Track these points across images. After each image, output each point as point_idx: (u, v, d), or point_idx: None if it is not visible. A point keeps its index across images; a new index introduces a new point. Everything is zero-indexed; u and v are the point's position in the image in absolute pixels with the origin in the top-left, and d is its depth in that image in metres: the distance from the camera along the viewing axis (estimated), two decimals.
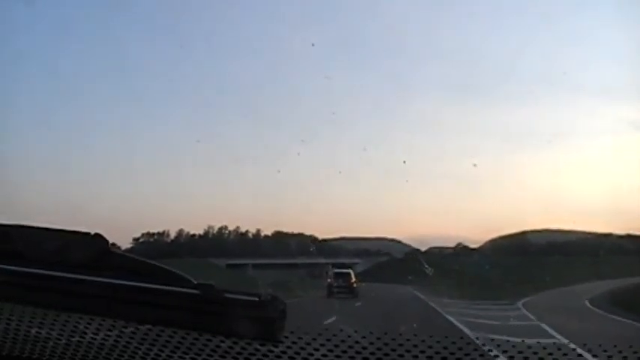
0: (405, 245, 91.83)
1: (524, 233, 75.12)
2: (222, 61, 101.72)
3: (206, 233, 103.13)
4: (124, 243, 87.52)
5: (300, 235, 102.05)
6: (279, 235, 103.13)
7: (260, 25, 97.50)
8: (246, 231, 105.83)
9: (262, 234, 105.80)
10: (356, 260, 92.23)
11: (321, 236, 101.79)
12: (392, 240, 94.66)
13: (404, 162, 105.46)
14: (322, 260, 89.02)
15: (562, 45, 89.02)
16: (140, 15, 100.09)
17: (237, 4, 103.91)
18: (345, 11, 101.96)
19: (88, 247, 1.80)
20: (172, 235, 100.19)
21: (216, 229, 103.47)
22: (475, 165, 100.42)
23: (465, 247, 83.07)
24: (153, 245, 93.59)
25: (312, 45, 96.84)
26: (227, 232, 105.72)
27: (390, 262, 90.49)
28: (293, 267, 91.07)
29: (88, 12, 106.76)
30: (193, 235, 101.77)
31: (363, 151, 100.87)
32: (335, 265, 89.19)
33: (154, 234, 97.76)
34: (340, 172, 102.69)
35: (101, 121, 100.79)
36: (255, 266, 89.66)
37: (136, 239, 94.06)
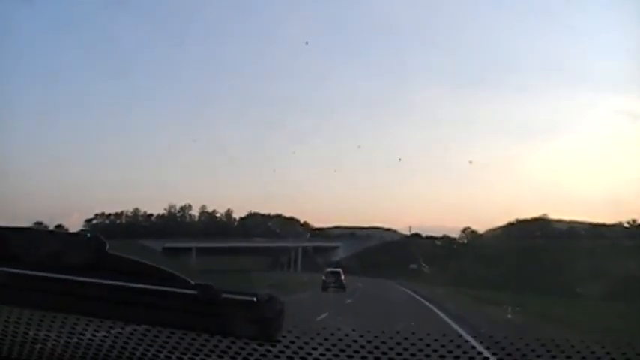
0: (401, 234, 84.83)
1: (524, 222, 72.97)
2: (218, 60, 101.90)
3: (170, 213, 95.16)
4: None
5: (279, 217, 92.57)
6: (253, 218, 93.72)
7: (255, 25, 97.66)
8: (214, 211, 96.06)
9: (236, 216, 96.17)
10: (336, 244, 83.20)
11: (316, 225, 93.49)
12: (388, 230, 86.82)
13: (399, 159, 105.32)
14: (293, 243, 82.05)
15: (561, 37, 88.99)
16: (138, 16, 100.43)
17: (232, 5, 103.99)
18: (339, 9, 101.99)
19: (86, 249, 1.80)
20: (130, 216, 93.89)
21: (178, 207, 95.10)
22: (471, 162, 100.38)
23: (474, 232, 77.01)
24: (102, 227, 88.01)
25: (306, 43, 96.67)
26: (198, 213, 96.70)
27: (379, 248, 79.57)
28: (254, 252, 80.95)
29: (87, 13, 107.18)
30: (150, 215, 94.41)
31: (358, 148, 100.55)
32: (309, 249, 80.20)
33: (109, 215, 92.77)
34: (335, 171, 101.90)
35: (93, 115, 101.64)
36: (202, 250, 78.01)
37: (88, 221, 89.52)
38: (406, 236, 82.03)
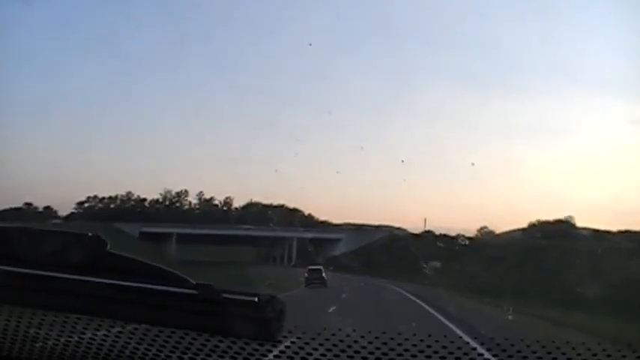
0: (412, 233, 75.29)
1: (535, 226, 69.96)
2: (219, 61, 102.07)
3: (165, 198, 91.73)
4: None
5: (281, 207, 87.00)
6: (254, 207, 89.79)
7: (257, 25, 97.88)
8: (212, 198, 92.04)
9: (236, 205, 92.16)
10: (338, 235, 76.98)
11: (321, 218, 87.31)
12: (398, 228, 78.54)
13: (402, 161, 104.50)
14: (288, 233, 75.13)
15: (565, 41, 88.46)
16: (139, 17, 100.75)
17: (234, 5, 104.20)
18: (342, 8, 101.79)
19: (87, 248, 1.80)
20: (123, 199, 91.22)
21: (174, 193, 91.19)
22: (473, 164, 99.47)
23: (491, 232, 70.97)
24: (93, 210, 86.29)
25: (310, 45, 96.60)
26: (196, 200, 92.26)
27: (386, 243, 71.39)
28: (243, 241, 74.77)
29: (88, 13, 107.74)
30: (143, 200, 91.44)
31: (360, 149, 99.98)
32: (307, 240, 72.25)
33: (102, 198, 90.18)
34: (337, 172, 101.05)
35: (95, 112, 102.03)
36: (185, 237, 71.87)
37: (80, 203, 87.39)
38: (417, 233, 73.29)
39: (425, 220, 75.97)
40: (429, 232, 72.03)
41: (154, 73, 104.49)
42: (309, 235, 76.52)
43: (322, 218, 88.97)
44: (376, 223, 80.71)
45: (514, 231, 68.79)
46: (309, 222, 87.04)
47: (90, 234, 1.82)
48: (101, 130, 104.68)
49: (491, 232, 72.64)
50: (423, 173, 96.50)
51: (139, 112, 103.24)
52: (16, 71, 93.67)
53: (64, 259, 1.77)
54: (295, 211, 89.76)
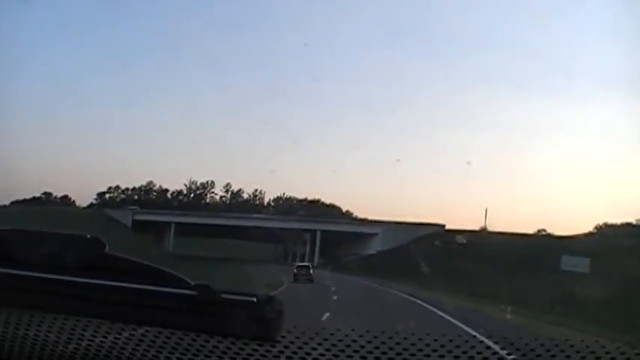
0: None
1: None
2: (218, 62, 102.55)
3: (189, 189, 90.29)
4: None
5: (317, 202, 79.43)
6: (286, 201, 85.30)
7: (255, 26, 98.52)
8: (240, 190, 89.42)
9: (269, 198, 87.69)
10: (374, 230, 66.06)
11: (360, 215, 77.82)
12: (445, 227, 68.86)
13: (397, 160, 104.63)
14: (309, 226, 66.20)
15: (568, 40, 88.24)
16: (141, 16, 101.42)
17: (231, 6, 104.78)
18: (337, 10, 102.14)
19: (85, 250, 1.81)
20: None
21: (198, 184, 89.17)
22: (469, 163, 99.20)
23: (549, 235, 65.60)
24: (113, 200, 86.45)
25: (305, 44, 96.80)
26: (223, 192, 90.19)
27: (433, 239, 59.82)
28: (255, 236, 65.77)
29: (88, 13, 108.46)
30: (165, 191, 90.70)
31: (357, 150, 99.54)
32: (333, 235, 67.40)
33: (126, 189, 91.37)
34: (334, 171, 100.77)
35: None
36: (185, 228, 63.61)
37: (100, 194, 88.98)
38: (476, 230, 64.33)
39: (486, 211, 68.35)
40: (485, 230, 65.52)
41: (154, 72, 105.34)
42: (336, 228, 68.32)
43: (362, 216, 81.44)
44: (428, 222, 70.91)
45: (577, 235, 63.25)
46: (345, 218, 78.90)
47: (88, 236, 1.83)
48: (120, 124, 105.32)
49: (550, 235, 67.90)
50: (483, 174, 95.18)
51: (149, 108, 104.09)
52: (29, 67, 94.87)
53: (62, 260, 1.77)
54: (332, 207, 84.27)
